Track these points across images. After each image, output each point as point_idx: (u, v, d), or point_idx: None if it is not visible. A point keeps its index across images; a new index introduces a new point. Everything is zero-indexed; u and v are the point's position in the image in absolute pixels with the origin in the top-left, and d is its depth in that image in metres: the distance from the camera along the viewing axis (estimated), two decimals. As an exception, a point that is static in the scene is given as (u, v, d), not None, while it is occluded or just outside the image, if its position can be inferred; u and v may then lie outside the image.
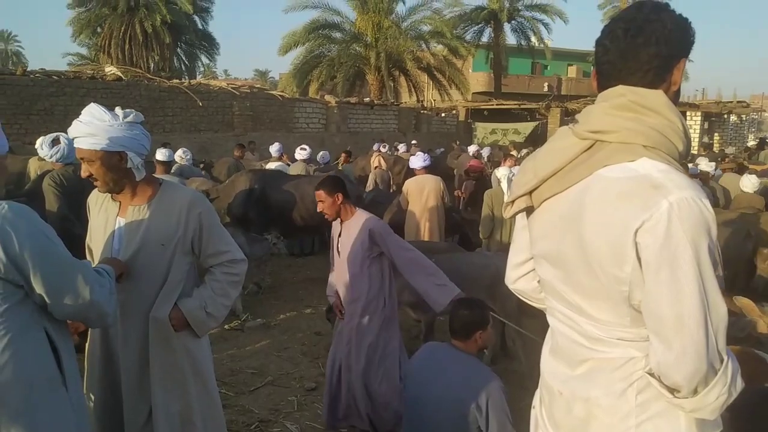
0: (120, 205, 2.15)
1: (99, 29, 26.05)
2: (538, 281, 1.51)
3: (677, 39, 1.22)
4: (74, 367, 1.73)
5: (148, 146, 2.12)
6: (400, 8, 21.92)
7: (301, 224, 7.02)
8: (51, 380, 1.62)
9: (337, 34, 21.48)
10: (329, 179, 3.45)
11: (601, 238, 1.19)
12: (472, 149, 13.31)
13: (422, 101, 22.91)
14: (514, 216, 1.49)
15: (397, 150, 13.42)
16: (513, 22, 27.83)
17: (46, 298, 1.59)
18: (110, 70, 13.16)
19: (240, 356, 4.77)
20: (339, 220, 3.44)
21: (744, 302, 3.07)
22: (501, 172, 6.27)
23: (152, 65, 26.09)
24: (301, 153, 9.12)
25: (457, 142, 18.38)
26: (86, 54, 29.71)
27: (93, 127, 1.97)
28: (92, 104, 2.04)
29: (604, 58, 1.29)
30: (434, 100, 24.55)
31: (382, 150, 12.11)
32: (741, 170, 9.95)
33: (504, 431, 2.33)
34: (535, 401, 1.54)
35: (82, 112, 2.01)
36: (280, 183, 7.10)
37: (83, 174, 2.04)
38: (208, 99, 13.51)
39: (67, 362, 1.67)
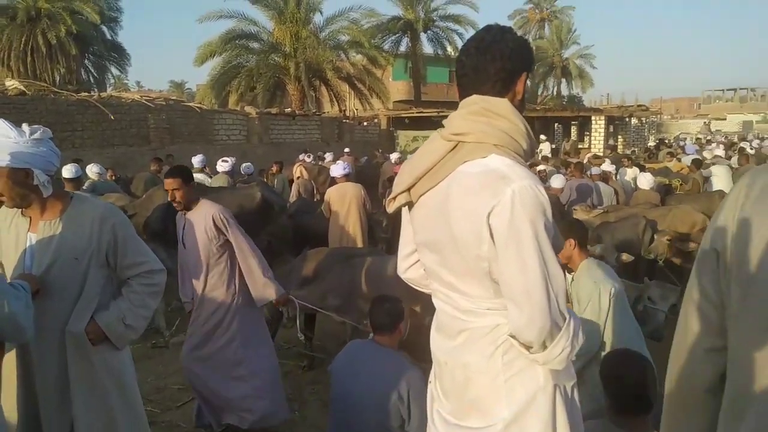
0: (30, 220, 2.11)
1: (-4, 41, 24.42)
2: (424, 269, 1.70)
3: (518, 56, 1.48)
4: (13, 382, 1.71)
5: (56, 163, 2.11)
6: (318, 18, 21.94)
7: (224, 237, 6.94)
8: None
9: (255, 45, 21.26)
10: (181, 168, 3.54)
11: (464, 223, 1.41)
12: (394, 157, 13.57)
13: (344, 111, 23.09)
14: (395, 211, 1.68)
15: (324, 159, 13.49)
16: (429, 32, 28.63)
17: None
18: (11, 84, 12.41)
19: (166, 373, 4.68)
20: (184, 212, 3.45)
21: None
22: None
23: (58, 78, 24.73)
24: (222, 165, 9.00)
25: (380, 150, 18.67)
26: (-18, 67, 27.79)
27: None
28: None
29: (461, 72, 1.53)
30: (356, 110, 24.81)
31: (307, 160, 12.14)
32: (639, 168, 10.78)
33: (425, 417, 2.46)
34: (431, 377, 1.73)
35: (-13, 128, 1.97)
36: (201, 195, 6.99)
37: None
38: (121, 112, 13.01)
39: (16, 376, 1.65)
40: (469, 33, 30.16)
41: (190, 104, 15.77)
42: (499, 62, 1.45)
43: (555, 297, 1.36)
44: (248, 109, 17.38)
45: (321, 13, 21.50)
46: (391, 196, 1.64)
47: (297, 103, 20.92)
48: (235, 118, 16.37)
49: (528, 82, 1.55)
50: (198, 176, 8.66)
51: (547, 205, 1.36)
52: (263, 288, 3.42)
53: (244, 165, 10.20)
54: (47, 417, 2.11)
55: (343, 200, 6.36)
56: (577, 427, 1.50)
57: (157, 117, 13.74)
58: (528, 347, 1.40)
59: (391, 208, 1.65)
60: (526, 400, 1.43)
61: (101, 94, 14.43)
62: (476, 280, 1.45)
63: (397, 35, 28.11)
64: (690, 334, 1.12)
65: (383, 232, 6.94)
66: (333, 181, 7.63)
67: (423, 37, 28.42)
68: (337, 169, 6.73)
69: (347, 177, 6.67)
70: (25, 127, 2.03)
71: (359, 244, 6.30)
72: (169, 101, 15.03)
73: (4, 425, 1.80)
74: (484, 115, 1.44)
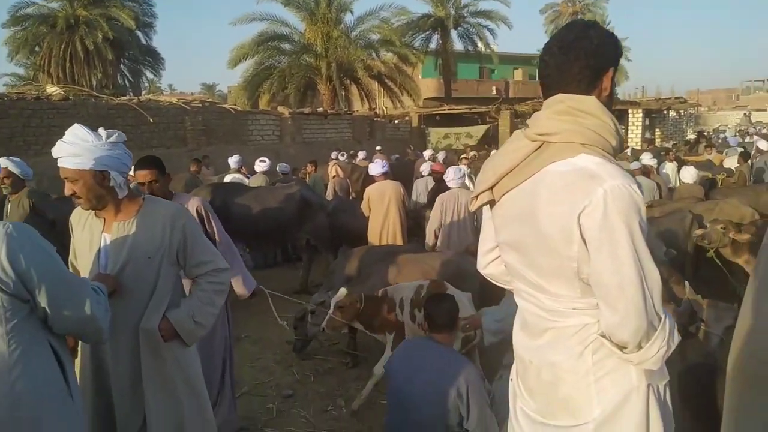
0: (104, 221, 2.19)
1: (37, 48, 25.18)
2: (504, 265, 1.70)
3: (603, 53, 1.45)
4: (75, 379, 1.78)
5: (130, 165, 2.18)
6: (349, 18, 22.05)
7: (265, 235, 7.06)
8: (60, 392, 1.67)
9: (287, 46, 21.47)
10: (154, 158, 3.22)
11: (553, 222, 1.40)
12: (427, 154, 13.55)
13: (375, 109, 23.13)
14: (479, 209, 1.69)
15: (357, 157, 13.57)
16: (459, 28, 28.44)
17: (48, 312, 1.65)
18: (53, 90, 12.81)
19: None
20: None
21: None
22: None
23: (95, 83, 25.39)
24: (260, 165, 9.14)
25: (412, 148, 18.66)
26: (23, 74, 28.71)
27: (77, 148, 2.02)
28: (76, 125, 2.09)
29: (544, 72, 1.52)
30: (386, 108, 24.82)
31: (340, 158, 12.22)
32: (679, 162, 10.53)
33: (483, 415, 2.48)
34: (512, 374, 1.72)
35: (66, 132, 2.06)
36: (241, 195, 7.11)
37: (66, 192, 2.09)
38: (159, 115, 13.30)
39: (70, 374, 1.73)
40: (501, 29, 29.92)
41: (224, 106, 16.02)
42: (584, 60, 1.43)
43: (650, 296, 1.34)
44: (281, 109, 17.57)
45: (352, 12, 21.62)
46: (473, 194, 1.65)
47: (328, 102, 21.05)
48: (268, 118, 16.56)
49: (615, 78, 1.51)
50: (235, 176, 8.82)
51: (641, 204, 1.34)
52: (242, 282, 3.55)
53: (280, 165, 10.33)
54: (121, 411, 2.19)
55: (383, 198, 6.38)
56: (669, 427, 1.48)
57: (193, 119, 14.00)
58: (622, 347, 1.38)
59: (473, 206, 1.66)
60: (619, 400, 1.42)
61: (140, 97, 14.77)
62: (563, 280, 1.44)
63: (428, 32, 28.00)
64: (763, 311, 1.11)
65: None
66: (369, 179, 7.66)
67: (453, 33, 28.25)
68: (376, 168, 6.75)
69: (386, 175, 6.70)
70: (101, 131, 2.11)
71: (399, 242, 6.32)
72: (204, 103, 15.30)
73: (86, 420, 1.88)
74: (572, 114, 1.43)
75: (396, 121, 23.47)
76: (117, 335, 2.13)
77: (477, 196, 1.63)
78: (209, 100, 18.02)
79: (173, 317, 2.22)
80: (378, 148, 15.27)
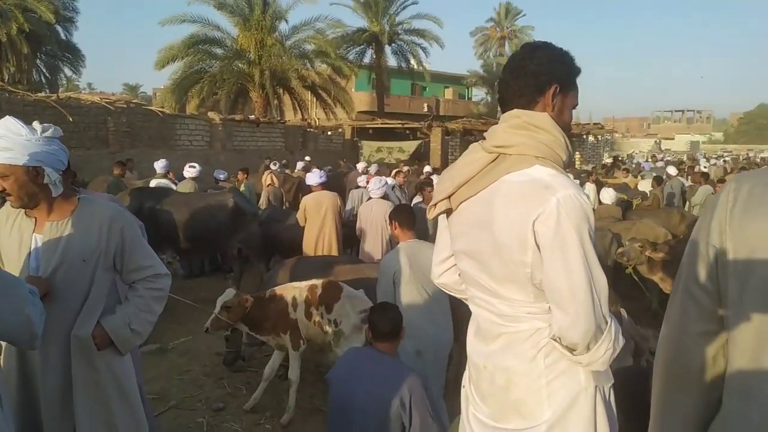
0: (36, 221, 2.05)
1: (-59, 37, 23.28)
2: (459, 275, 1.75)
3: (544, 71, 1.53)
4: (3, 386, 1.64)
5: (65, 161, 2.06)
6: (284, 27, 21.89)
7: (195, 243, 6.81)
8: None
9: (219, 50, 20.98)
10: None
11: (509, 229, 1.46)
12: (360, 166, 13.61)
13: (307, 119, 23.00)
14: (435, 218, 1.73)
15: (295, 167, 13.52)
16: (393, 44, 28.94)
17: None
18: (-40, 81, 11.89)
19: (160, 377, 4.56)
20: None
21: None
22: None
23: (7, 77, 23.75)
24: (190, 171, 8.83)
25: (344, 160, 18.68)
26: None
27: (9, 141, 1.88)
28: (8, 117, 1.94)
29: (499, 88, 1.62)
30: (319, 119, 24.76)
31: (272, 167, 12.05)
32: (598, 184, 11.15)
33: (425, 424, 2.50)
34: (464, 380, 1.76)
35: (-4, 124, 1.91)
36: (170, 200, 6.84)
37: None
38: (79, 114, 12.62)
39: (12, 381, 1.59)
40: (434, 47, 30.75)
41: (151, 108, 15.43)
42: (524, 79, 1.53)
43: (599, 300, 1.41)
44: (211, 114, 17.13)
45: (287, 21, 21.53)
46: (431, 203, 1.69)
47: (260, 110, 20.74)
48: (198, 123, 16.10)
49: (566, 96, 1.57)
50: (161, 181, 8.47)
51: (590, 213, 1.42)
52: None
53: (216, 171, 10.10)
54: (49, 423, 2.03)
55: (320, 208, 6.34)
56: (614, 427, 1.55)
57: (117, 120, 13.38)
58: (572, 350, 1.45)
59: (431, 215, 1.70)
60: (569, 401, 1.48)
61: (59, 95, 13.94)
62: (517, 285, 1.50)
63: (362, 47, 28.30)
64: (684, 319, 1.18)
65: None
66: (302, 189, 7.57)
67: (387, 49, 28.70)
68: (314, 177, 6.71)
69: (323, 185, 6.66)
70: (36, 124, 1.98)
71: (334, 252, 6.29)
72: (129, 104, 14.66)
73: (11, 430, 1.73)
74: (526, 129, 1.50)
75: (329, 133, 23.45)
76: (47, 342, 1.98)
77: (435, 205, 1.67)
78: (135, 101, 17.25)
79: (108, 324, 2.10)
80: (307, 158, 15.17)
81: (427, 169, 13.98)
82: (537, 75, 1.52)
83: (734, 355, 1.11)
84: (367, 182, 8.81)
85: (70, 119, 12.14)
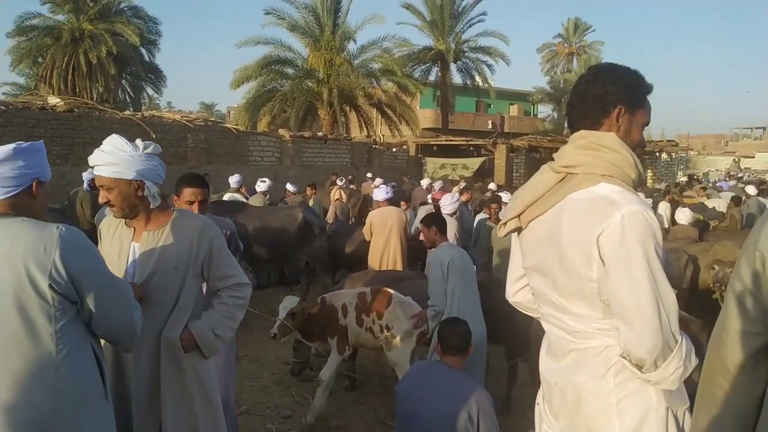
0: (134, 230, 2.24)
1: (40, 59, 25.34)
2: (532, 293, 1.77)
3: (607, 93, 1.55)
4: (109, 382, 1.81)
5: (163, 176, 2.24)
6: (352, 46, 22.52)
7: (266, 255, 7.08)
8: (99, 394, 1.71)
9: (290, 70, 21.79)
10: (200, 177, 3.34)
11: (574, 244, 1.49)
12: (424, 183, 13.69)
13: (373, 136, 23.38)
14: (506, 235, 1.78)
15: (370, 182, 13.83)
16: (459, 62, 29.01)
17: (94, 315, 1.69)
18: (56, 101, 12.89)
19: None
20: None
21: None
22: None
23: (96, 96, 25.50)
24: (261, 185, 9.20)
25: (408, 176, 18.84)
26: (24, 84, 28.79)
27: (114, 157, 2.08)
28: (114, 135, 2.15)
29: (568, 111, 1.67)
30: (384, 135, 25.11)
31: (339, 183, 12.33)
32: (674, 204, 10.71)
33: (493, 439, 2.50)
34: (539, 398, 1.78)
35: (104, 142, 2.12)
36: (243, 214, 7.16)
37: (101, 200, 2.14)
38: (161, 131, 13.38)
39: (106, 377, 1.76)
40: (499, 64, 30.59)
41: (227, 125, 16.15)
42: (587, 102, 1.58)
43: (666, 316, 1.40)
44: (281, 131, 17.72)
45: (355, 41, 22.05)
46: (502, 221, 1.75)
47: (327, 127, 21.28)
48: (269, 140, 16.70)
49: (634, 116, 1.59)
50: (234, 195, 8.86)
51: (657, 229, 1.43)
52: None
53: (288, 184, 10.53)
54: (139, 418, 2.20)
55: (385, 224, 6.45)
56: None
57: (195, 137, 14.10)
58: (640, 367, 1.44)
59: (502, 233, 1.76)
60: (638, 420, 1.48)
61: (143, 113, 14.87)
62: (585, 300, 1.52)
63: (428, 65, 28.53)
64: (728, 317, 1.19)
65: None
66: (368, 205, 7.72)
67: (452, 67, 28.80)
68: (380, 193, 6.84)
69: (389, 201, 6.77)
70: (138, 142, 2.18)
71: (399, 267, 6.36)
72: (207, 122, 15.41)
73: (114, 420, 1.89)
74: (593, 149, 1.54)
75: (394, 149, 23.72)
76: (139, 343, 2.13)
77: (506, 223, 1.73)
78: (212, 119, 18.14)
79: (194, 329, 2.25)
80: (369, 175, 15.40)
81: (491, 186, 13.89)
82: (600, 97, 1.56)
83: None
84: (433, 199, 8.90)
85: (153, 136, 12.89)
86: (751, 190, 14.17)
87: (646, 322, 1.39)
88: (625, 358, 1.47)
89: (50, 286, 1.58)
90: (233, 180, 9.64)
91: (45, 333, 1.59)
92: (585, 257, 1.46)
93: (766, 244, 1.11)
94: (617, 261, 1.41)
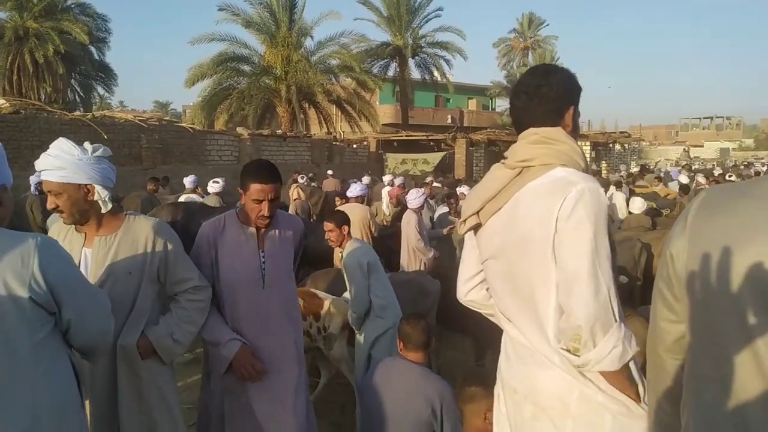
0: (85, 236, 2.17)
1: (-19, 59, 24.27)
2: (487, 289, 1.81)
3: (563, 96, 1.64)
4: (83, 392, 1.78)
5: (114, 179, 2.18)
6: (309, 43, 22.33)
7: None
8: (77, 405, 1.68)
9: (246, 67, 21.45)
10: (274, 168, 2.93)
11: (535, 227, 1.52)
12: (386, 179, 13.71)
13: (333, 133, 23.29)
14: (466, 233, 1.80)
15: (312, 181, 13.67)
16: (417, 57, 29.15)
17: (72, 325, 1.65)
18: (0, 102, 12.38)
19: (187, 387, 4.67)
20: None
21: None
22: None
23: (44, 97, 24.60)
24: (213, 186, 8.99)
25: (369, 173, 18.84)
26: (-36, 85, 27.58)
27: (62, 161, 2.01)
28: (61, 139, 2.08)
29: (515, 113, 1.72)
30: (343, 132, 25.05)
31: (300, 181, 12.24)
32: (629, 193, 11.03)
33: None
34: (497, 389, 1.80)
35: (51, 146, 2.05)
36: (203, 215, 7.01)
37: (49, 206, 2.07)
38: (114, 132, 13.02)
39: (82, 387, 1.71)
40: (457, 59, 30.90)
41: (182, 125, 15.84)
42: (546, 105, 1.62)
43: (606, 289, 1.41)
44: (240, 130, 17.47)
45: (312, 37, 21.91)
46: (461, 219, 1.77)
47: (287, 124, 21.08)
48: (227, 139, 16.44)
49: (576, 115, 1.69)
50: (191, 196, 8.69)
51: (607, 208, 1.48)
52: None
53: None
54: (96, 425, 2.14)
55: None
56: None
57: (149, 137, 13.76)
58: (577, 350, 1.42)
59: (462, 231, 1.78)
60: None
61: (94, 113, 14.41)
62: (544, 287, 1.53)
63: (386, 60, 28.57)
64: (654, 307, 1.26)
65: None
66: (328, 203, 7.70)
67: (411, 62, 28.93)
68: (353, 191, 6.83)
69: (359, 198, 6.73)
70: (87, 145, 2.11)
71: None
72: (162, 122, 15.07)
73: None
74: (545, 143, 1.60)
75: (354, 146, 23.67)
76: (95, 351, 2.09)
77: (465, 221, 1.75)
78: (166, 118, 17.72)
79: (152, 334, 2.20)
80: (330, 172, 15.34)
81: (462, 189, 13.90)
82: (556, 100, 1.62)
83: (688, 354, 1.18)
84: (392, 194, 8.94)
85: (105, 137, 12.52)
86: (702, 179, 14.73)
87: (585, 288, 1.40)
88: (564, 349, 1.47)
89: (30, 298, 1.51)
90: (188, 181, 9.46)
91: (24, 347, 1.53)
92: (544, 233, 1.49)
93: (674, 243, 1.17)
94: (566, 230, 1.45)
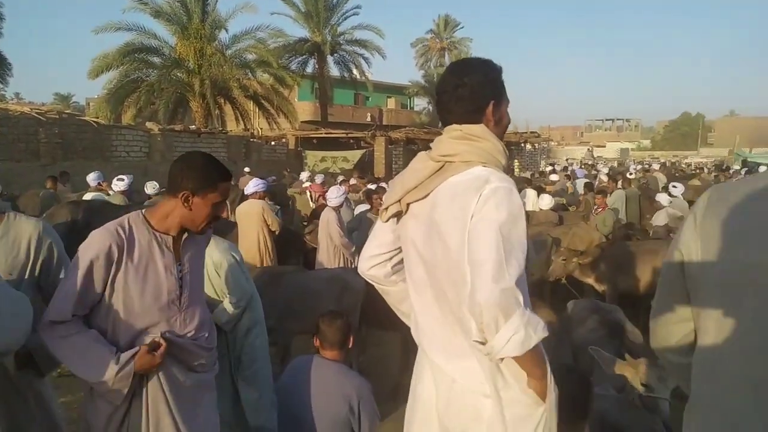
0: None
1: None
2: (391, 268, 1.86)
3: (480, 94, 1.65)
4: None
5: None
6: (224, 36, 21.60)
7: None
8: None
9: (156, 59, 20.45)
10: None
11: (453, 224, 1.55)
12: (304, 176, 13.57)
13: (250, 129, 22.73)
14: (388, 220, 1.80)
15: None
16: (336, 54, 29.07)
17: None
18: None
19: (76, 402, 4.36)
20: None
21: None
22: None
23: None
24: (118, 184, 8.45)
25: (288, 170, 18.56)
26: None
27: None
28: None
29: (438, 108, 1.73)
30: (261, 129, 24.53)
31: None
32: (539, 190, 11.53)
33: (374, 428, 2.53)
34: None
35: None
36: (107, 214, 6.59)
37: None
38: (8, 125, 12.01)
39: None
40: (376, 58, 31.04)
41: (85, 118, 14.85)
42: (464, 104, 1.64)
43: (510, 278, 1.41)
44: (149, 125, 16.65)
45: (227, 30, 21.20)
46: (383, 206, 1.78)
47: (201, 120, 20.33)
48: (135, 134, 15.61)
49: (501, 105, 1.69)
50: (96, 194, 8.16)
51: (520, 207, 1.50)
52: None
53: (148, 183, 9.72)
54: None
55: (245, 218, 6.34)
56: None
57: (48, 131, 12.80)
58: (483, 340, 1.43)
59: (384, 218, 1.78)
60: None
61: (-17, 104, 13.22)
62: (462, 283, 1.52)
63: (304, 56, 28.28)
64: (665, 305, 1.38)
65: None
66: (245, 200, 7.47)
67: (330, 59, 28.80)
68: (250, 187, 6.68)
69: (256, 194, 6.56)
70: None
71: (258, 263, 6.19)
72: (62, 115, 14.04)
73: None
74: (468, 139, 1.62)
75: (272, 143, 23.23)
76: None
77: (387, 208, 1.76)
78: (67, 111, 16.55)
79: (30, 343, 1.98)
80: (246, 169, 14.94)
81: (382, 185, 13.96)
82: (474, 99, 1.64)
83: (700, 344, 1.28)
84: (310, 190, 8.85)
85: (-3, 130, 11.55)
86: (604, 177, 15.69)
87: (488, 274, 1.40)
88: (477, 341, 1.47)
89: None
90: (91, 178, 8.92)
91: None
92: (460, 227, 1.52)
93: (684, 243, 1.29)
94: (477, 222, 1.48)
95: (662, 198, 8.96)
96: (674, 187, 10.23)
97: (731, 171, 19.07)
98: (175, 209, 2.00)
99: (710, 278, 1.21)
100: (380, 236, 1.87)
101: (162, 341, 1.95)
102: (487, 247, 1.44)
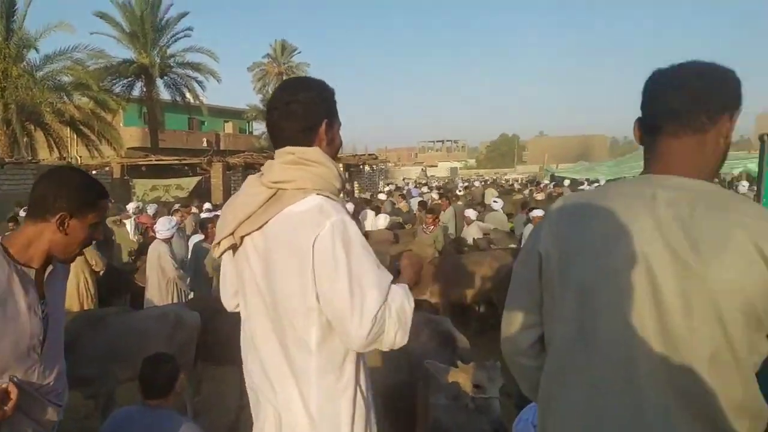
0: None
1: None
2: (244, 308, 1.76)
3: (313, 112, 1.62)
4: None
5: None
6: (34, 56, 19.41)
7: None
8: None
9: (-55, 80, 17.80)
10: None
11: (288, 253, 1.53)
12: (132, 207, 12.60)
13: (67, 158, 20.59)
14: (221, 255, 1.73)
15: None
16: (166, 77, 27.59)
17: None
18: None
19: None
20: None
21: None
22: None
23: None
24: None
25: (113, 201, 17.08)
26: None
27: None
28: None
29: (269, 128, 1.68)
30: (80, 157, 22.34)
31: (22, 214, 10.52)
32: (377, 210, 11.97)
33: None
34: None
35: None
36: None
37: None
38: None
39: None
40: (210, 81, 30.02)
41: None
42: (295, 122, 1.61)
43: (370, 312, 1.47)
44: (-63, 155, 14.34)
45: (37, 50, 19.11)
46: (215, 240, 1.68)
47: (5, 149, 18.02)
48: None
49: (334, 125, 1.68)
50: None
51: (357, 233, 1.54)
52: None
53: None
54: None
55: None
56: None
57: None
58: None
59: (217, 253, 1.69)
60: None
61: None
62: (301, 313, 1.55)
63: (130, 79, 26.42)
64: (517, 311, 1.46)
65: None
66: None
67: (159, 82, 27.24)
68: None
69: None
70: None
71: (77, 307, 5.67)
72: None
73: None
74: (301, 164, 1.58)
75: (93, 172, 21.25)
76: None
77: (219, 242, 1.67)
78: None
79: None
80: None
81: (207, 206, 13.46)
82: (307, 117, 1.60)
83: (550, 348, 1.38)
84: (138, 222, 8.27)
85: None
86: (435, 195, 16.75)
87: (351, 326, 1.47)
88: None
89: None
90: None
91: None
92: (300, 263, 1.50)
93: (542, 244, 1.36)
94: (327, 263, 1.47)
95: (470, 213, 9.70)
96: (495, 201, 11.27)
97: (542, 185, 21.44)
98: (43, 235, 1.73)
99: (568, 282, 1.30)
100: (228, 273, 1.79)
101: (13, 389, 1.63)
102: (341, 297, 1.47)
